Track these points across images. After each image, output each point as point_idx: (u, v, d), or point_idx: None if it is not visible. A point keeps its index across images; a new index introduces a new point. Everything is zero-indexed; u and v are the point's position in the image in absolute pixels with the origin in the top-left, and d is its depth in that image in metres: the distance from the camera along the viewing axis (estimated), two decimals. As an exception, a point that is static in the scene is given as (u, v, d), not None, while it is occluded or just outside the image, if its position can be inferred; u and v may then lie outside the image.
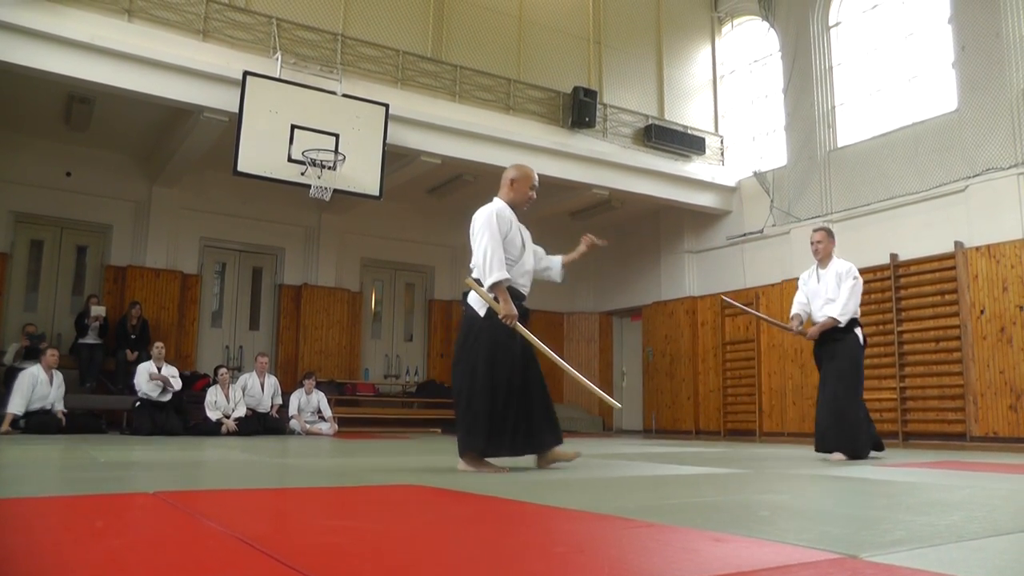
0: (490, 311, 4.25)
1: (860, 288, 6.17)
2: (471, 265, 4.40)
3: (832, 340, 6.12)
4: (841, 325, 6.04)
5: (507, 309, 4.19)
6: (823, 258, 6.29)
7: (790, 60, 12.40)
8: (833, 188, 11.41)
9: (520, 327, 4.27)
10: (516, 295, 4.39)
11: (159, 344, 10.13)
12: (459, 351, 4.38)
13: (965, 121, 9.84)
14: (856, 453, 5.88)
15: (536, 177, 4.61)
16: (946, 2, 10.42)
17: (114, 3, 8.89)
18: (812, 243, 6.36)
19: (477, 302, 4.31)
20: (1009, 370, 9.02)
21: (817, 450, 6.13)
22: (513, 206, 4.51)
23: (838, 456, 5.86)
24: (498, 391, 4.19)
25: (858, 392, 6.05)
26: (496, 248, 4.23)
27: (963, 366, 9.51)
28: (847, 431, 5.89)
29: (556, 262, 4.82)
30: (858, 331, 6.15)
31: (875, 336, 10.41)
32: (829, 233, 6.42)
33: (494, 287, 4.20)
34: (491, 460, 4.25)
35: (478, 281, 4.27)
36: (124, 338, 10.90)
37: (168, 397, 9.81)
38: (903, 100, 11.00)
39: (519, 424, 4.20)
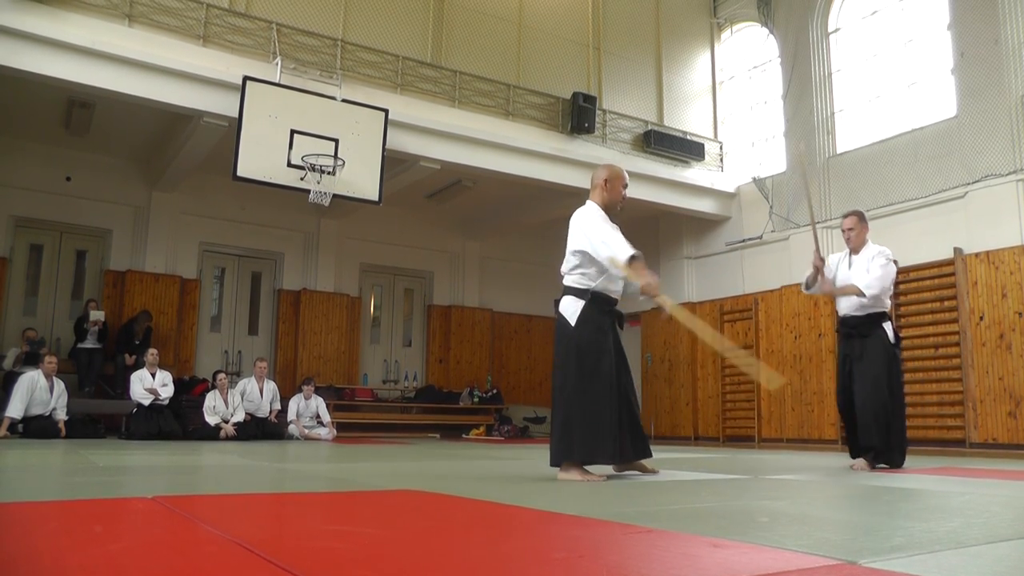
0: (580, 319, 4.17)
1: (893, 273, 5.65)
2: (563, 270, 4.32)
3: (859, 336, 5.60)
4: (864, 298, 5.49)
5: (650, 278, 4.06)
6: (856, 246, 5.76)
7: (789, 66, 12.42)
8: (832, 194, 11.41)
9: (666, 300, 4.10)
10: (608, 300, 4.31)
11: (153, 351, 10.13)
12: (555, 360, 4.29)
13: (964, 128, 9.85)
14: (894, 462, 5.47)
15: (627, 176, 4.53)
16: (945, 9, 10.44)
17: (114, 8, 8.90)
18: (844, 230, 5.82)
19: (569, 311, 4.20)
20: (1008, 376, 9.02)
21: (855, 456, 5.69)
22: (607, 208, 4.39)
23: (861, 464, 5.48)
24: (592, 400, 4.09)
25: (896, 396, 5.53)
26: (613, 231, 4.16)
27: (962, 372, 9.50)
28: (882, 440, 5.41)
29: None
30: (887, 326, 5.60)
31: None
32: (861, 217, 5.83)
33: (631, 262, 4.03)
34: (588, 468, 4.14)
35: (570, 281, 4.26)
36: (128, 342, 10.91)
37: (164, 403, 9.81)
38: (902, 106, 11.01)
39: (613, 432, 4.10)
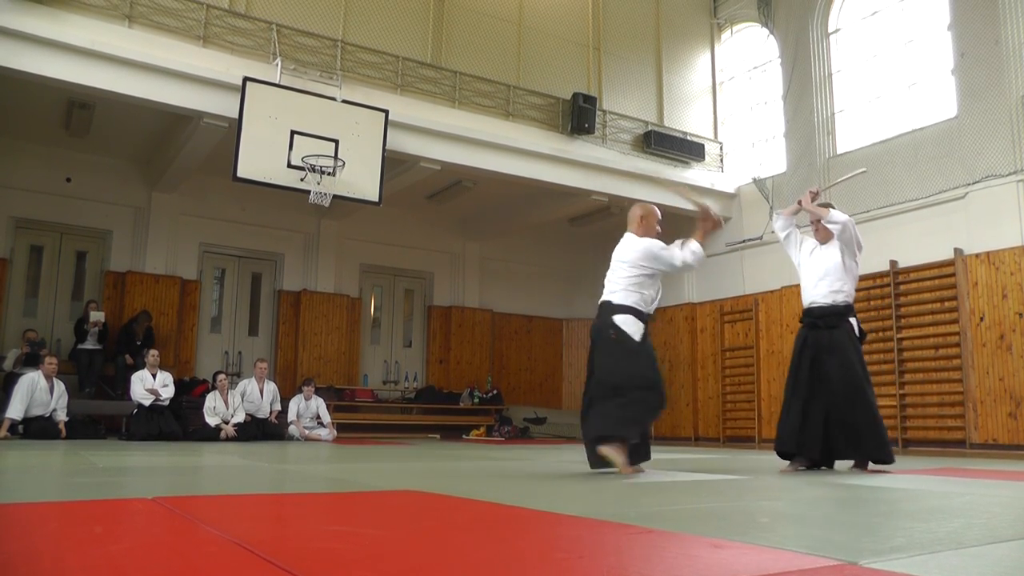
0: (643, 336, 4.81)
1: (858, 232, 5.47)
2: (617, 288, 4.88)
3: (825, 327, 5.41)
4: (828, 220, 5.44)
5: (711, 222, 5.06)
6: (824, 238, 5.62)
7: (789, 67, 12.42)
8: (832, 195, 11.35)
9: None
10: (646, 318, 4.88)
11: (154, 352, 10.12)
12: (607, 364, 4.80)
13: (964, 128, 9.85)
14: (888, 458, 5.25)
15: (659, 213, 5.16)
16: (945, 9, 10.44)
17: (114, 9, 8.90)
18: (812, 221, 5.69)
19: (631, 328, 4.76)
20: (1009, 377, 9.02)
21: (818, 464, 5.36)
22: None
23: (854, 467, 5.32)
24: (650, 403, 4.78)
25: (872, 390, 5.35)
26: (670, 247, 4.89)
27: (963, 373, 9.50)
28: (876, 437, 5.22)
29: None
30: (853, 321, 5.46)
31: (875, 343, 10.39)
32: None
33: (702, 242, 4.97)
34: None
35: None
36: (128, 343, 10.90)
37: (165, 403, 9.81)
38: (902, 107, 11.01)
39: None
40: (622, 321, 4.79)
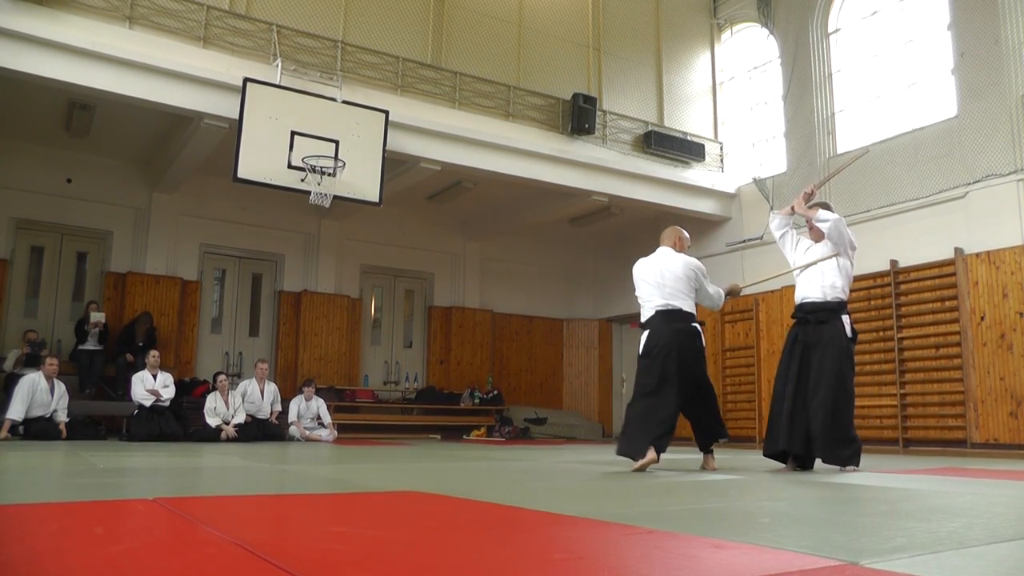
0: None
1: (846, 227, 5.50)
2: (678, 294, 5.36)
3: (816, 323, 5.39)
4: (816, 219, 5.48)
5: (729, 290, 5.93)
6: (817, 236, 5.63)
7: (789, 67, 12.41)
8: (833, 194, 11.38)
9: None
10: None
11: (154, 353, 10.12)
12: (703, 366, 5.46)
13: (965, 127, 9.85)
14: (856, 462, 5.24)
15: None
16: (945, 8, 10.44)
17: (115, 10, 8.90)
18: (807, 220, 5.68)
19: (699, 332, 5.40)
20: (1009, 376, 9.01)
21: (795, 460, 5.34)
22: None
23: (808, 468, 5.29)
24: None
25: (853, 393, 5.30)
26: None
27: (963, 372, 9.49)
28: (848, 440, 5.16)
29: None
30: (846, 319, 5.39)
31: (875, 343, 10.40)
32: (826, 209, 5.66)
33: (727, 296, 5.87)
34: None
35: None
36: (130, 344, 10.90)
37: (166, 404, 9.81)
38: (903, 107, 11.01)
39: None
40: (696, 329, 5.34)
